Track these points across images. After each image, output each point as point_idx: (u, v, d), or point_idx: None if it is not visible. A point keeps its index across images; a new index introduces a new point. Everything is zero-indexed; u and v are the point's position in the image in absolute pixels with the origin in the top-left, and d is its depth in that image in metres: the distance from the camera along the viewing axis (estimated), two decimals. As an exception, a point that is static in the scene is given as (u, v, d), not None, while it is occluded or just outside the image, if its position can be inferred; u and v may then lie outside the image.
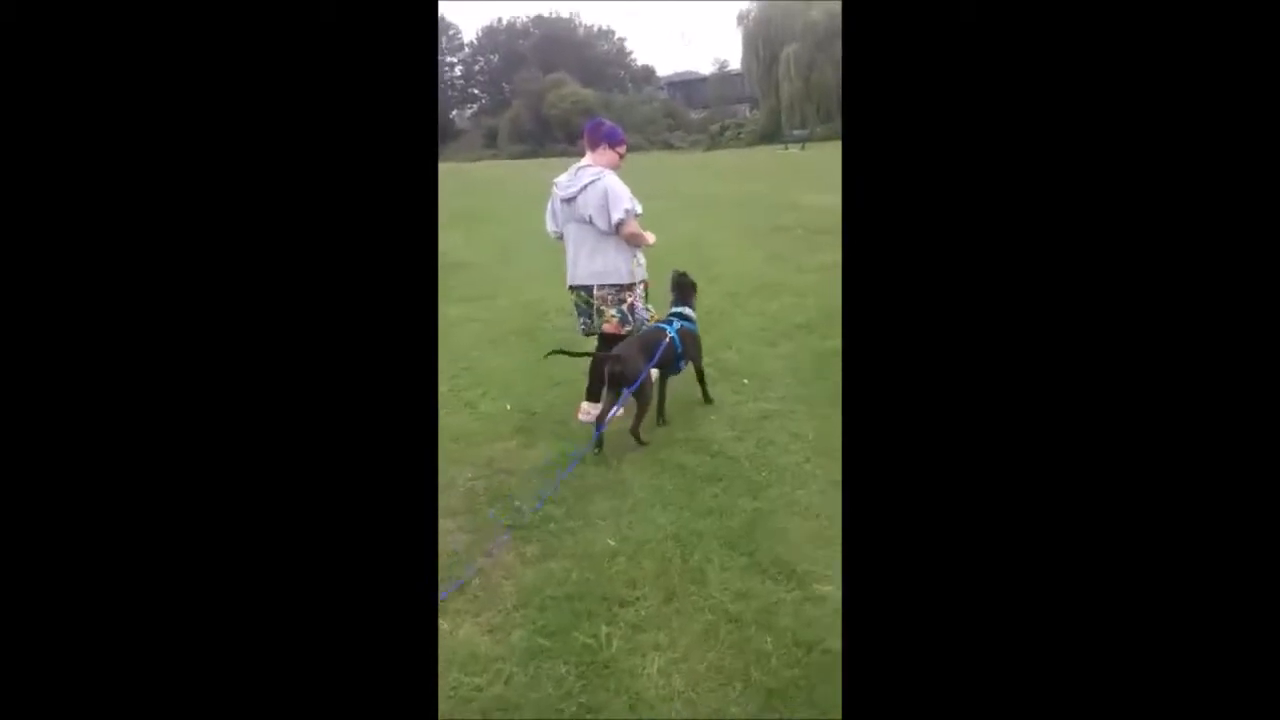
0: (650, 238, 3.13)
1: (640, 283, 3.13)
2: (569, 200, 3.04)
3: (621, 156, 3.14)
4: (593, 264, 3.05)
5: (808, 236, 7.39)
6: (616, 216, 2.94)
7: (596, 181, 2.97)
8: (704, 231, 7.28)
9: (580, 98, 38.81)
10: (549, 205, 3.18)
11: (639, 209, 3.02)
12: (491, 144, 41.66)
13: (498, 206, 12.71)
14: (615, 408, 2.87)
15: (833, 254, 6.30)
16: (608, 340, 3.11)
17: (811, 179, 13.02)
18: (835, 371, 3.54)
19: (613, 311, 3.09)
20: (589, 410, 3.15)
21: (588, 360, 3.16)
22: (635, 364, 2.83)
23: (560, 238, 3.18)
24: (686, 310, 3.23)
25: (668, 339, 2.99)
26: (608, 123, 3.21)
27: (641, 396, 2.88)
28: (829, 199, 9.51)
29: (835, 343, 3.93)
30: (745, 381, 3.53)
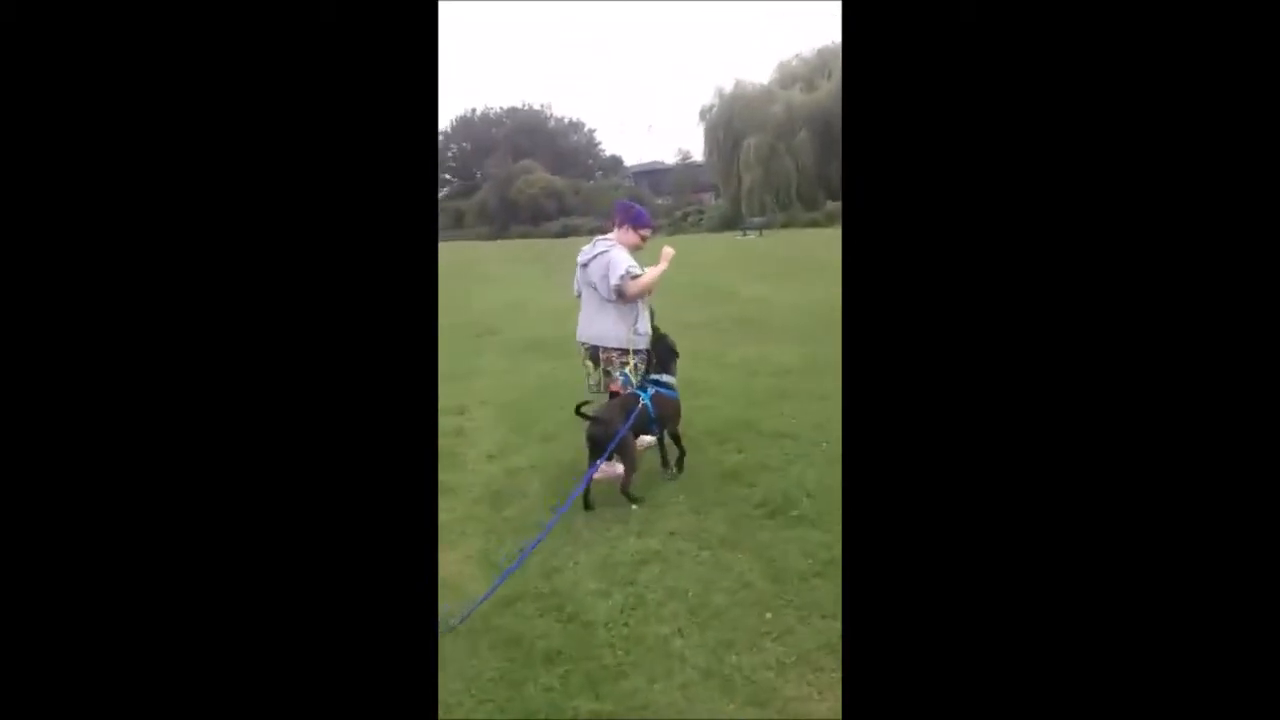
0: (655, 272, 3.24)
1: (641, 350, 3.29)
2: (584, 265, 3.31)
3: (644, 239, 3.36)
4: (594, 326, 3.31)
5: (735, 328, 6.97)
6: (614, 281, 3.16)
7: (605, 252, 3.24)
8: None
9: (547, 184, 39.54)
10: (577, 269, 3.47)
11: (636, 271, 3.19)
12: (458, 225, 42.10)
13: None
14: (594, 468, 2.94)
15: (754, 347, 5.87)
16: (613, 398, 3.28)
17: (757, 267, 12.89)
18: (736, 494, 2.97)
19: (617, 373, 3.28)
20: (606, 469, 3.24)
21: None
22: (613, 427, 2.92)
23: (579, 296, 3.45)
24: (664, 377, 3.24)
25: (640, 405, 3.04)
26: (637, 206, 3.49)
27: (624, 458, 2.98)
28: (766, 289, 9.23)
29: (741, 457, 3.38)
30: (634, 507, 2.93)
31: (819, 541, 2.50)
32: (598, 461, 2.92)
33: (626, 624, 2.11)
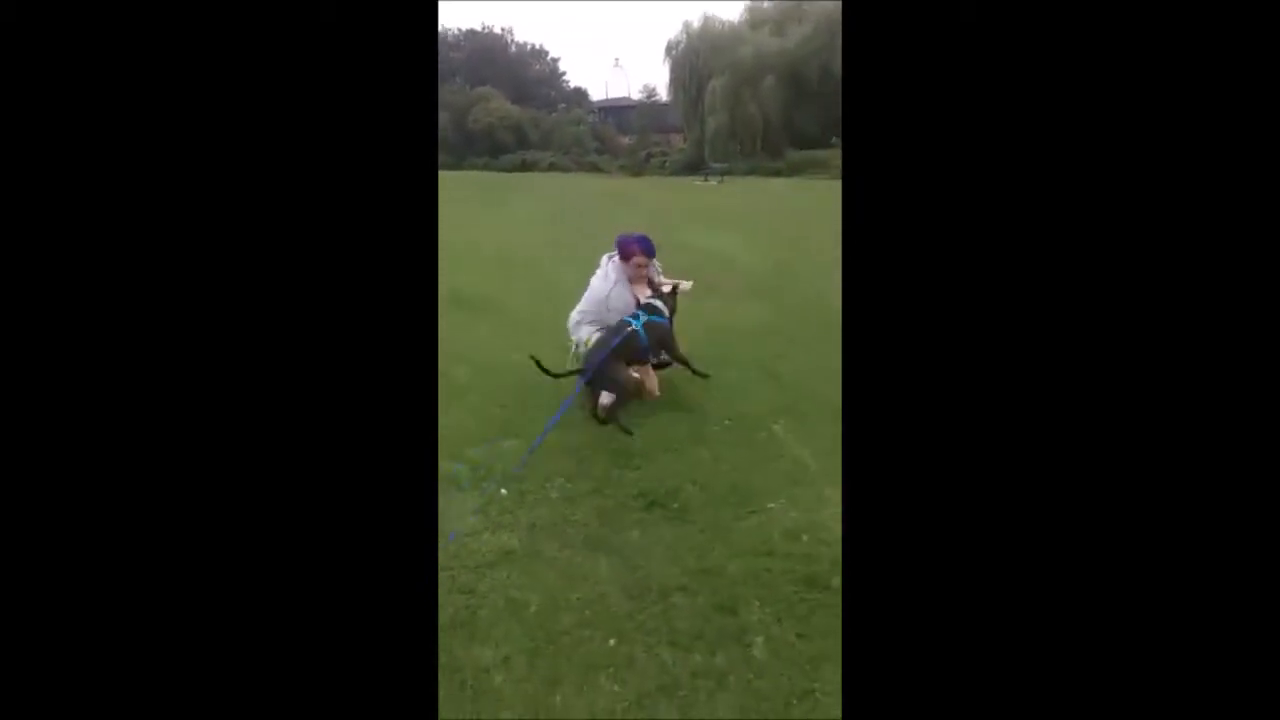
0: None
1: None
2: None
3: (639, 267, 3.42)
4: None
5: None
6: None
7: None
8: (575, 277, 6.33)
9: (506, 113, 37.73)
10: None
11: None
12: (412, 154, 40.23)
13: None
14: (568, 400, 3.05)
15: (695, 303, 5.52)
16: None
17: (713, 216, 12.43)
18: (619, 479, 2.65)
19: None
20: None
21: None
22: (592, 358, 3.12)
23: None
24: (656, 303, 3.32)
25: (630, 330, 3.16)
26: (624, 237, 3.46)
27: (607, 386, 3.11)
28: (719, 240, 8.82)
29: (639, 433, 3.06)
30: (504, 491, 2.60)
31: (693, 544, 2.22)
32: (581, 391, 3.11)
33: (448, 650, 1.79)
